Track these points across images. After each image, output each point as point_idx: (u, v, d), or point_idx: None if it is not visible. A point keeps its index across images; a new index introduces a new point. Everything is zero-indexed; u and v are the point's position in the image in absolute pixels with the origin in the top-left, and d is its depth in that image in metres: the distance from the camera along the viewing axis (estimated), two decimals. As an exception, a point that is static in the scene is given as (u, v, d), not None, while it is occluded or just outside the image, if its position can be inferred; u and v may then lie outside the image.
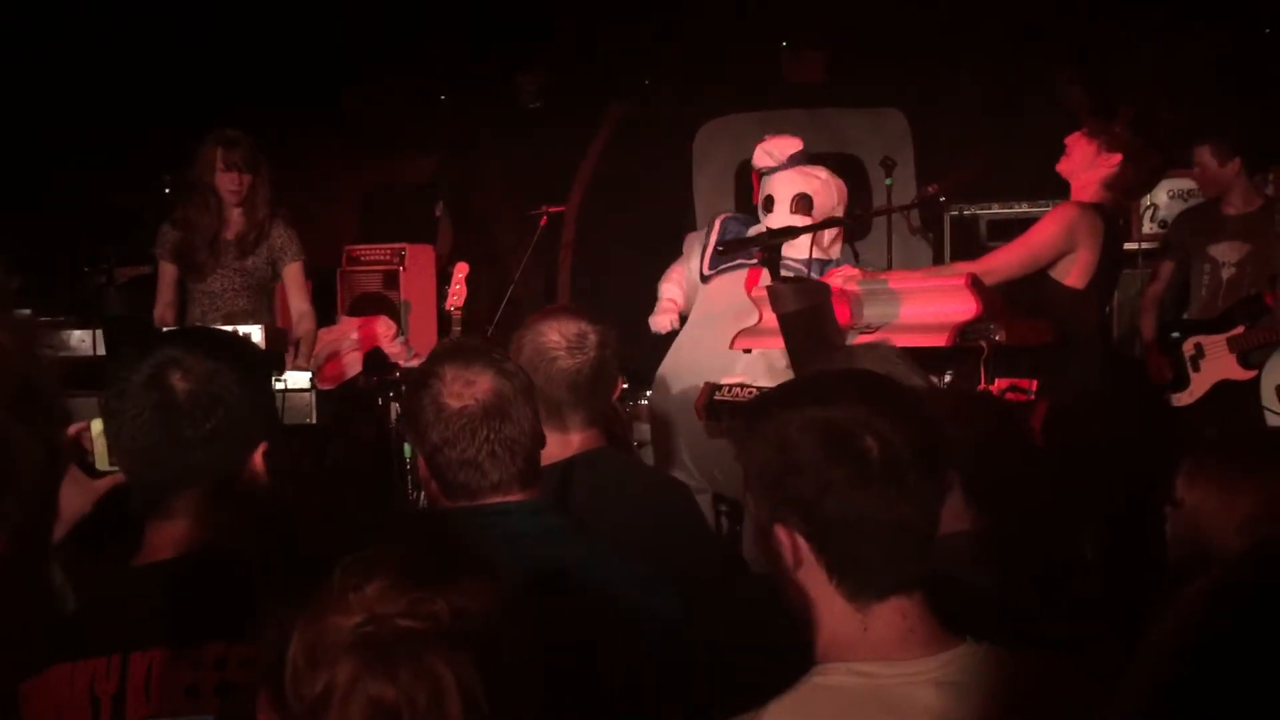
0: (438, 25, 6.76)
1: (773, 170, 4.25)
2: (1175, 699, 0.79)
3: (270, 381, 1.82)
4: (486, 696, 1.08)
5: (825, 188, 4.26)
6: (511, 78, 7.55)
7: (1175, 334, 5.10)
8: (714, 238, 4.29)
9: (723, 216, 4.39)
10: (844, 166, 7.24)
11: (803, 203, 4.18)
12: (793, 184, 4.22)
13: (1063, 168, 3.93)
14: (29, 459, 0.98)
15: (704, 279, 4.28)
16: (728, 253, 3.86)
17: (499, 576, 1.16)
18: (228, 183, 4.63)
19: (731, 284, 4.25)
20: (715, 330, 4.15)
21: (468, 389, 1.98)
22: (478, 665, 1.08)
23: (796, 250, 4.01)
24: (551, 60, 7.40)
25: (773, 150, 4.27)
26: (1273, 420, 4.45)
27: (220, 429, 1.67)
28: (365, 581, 1.10)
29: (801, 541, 1.45)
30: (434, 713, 1.06)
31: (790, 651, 1.50)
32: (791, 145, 4.29)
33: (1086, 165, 3.86)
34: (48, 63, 5.98)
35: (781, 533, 1.46)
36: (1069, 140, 3.91)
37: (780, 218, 4.17)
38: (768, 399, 1.61)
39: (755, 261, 4.11)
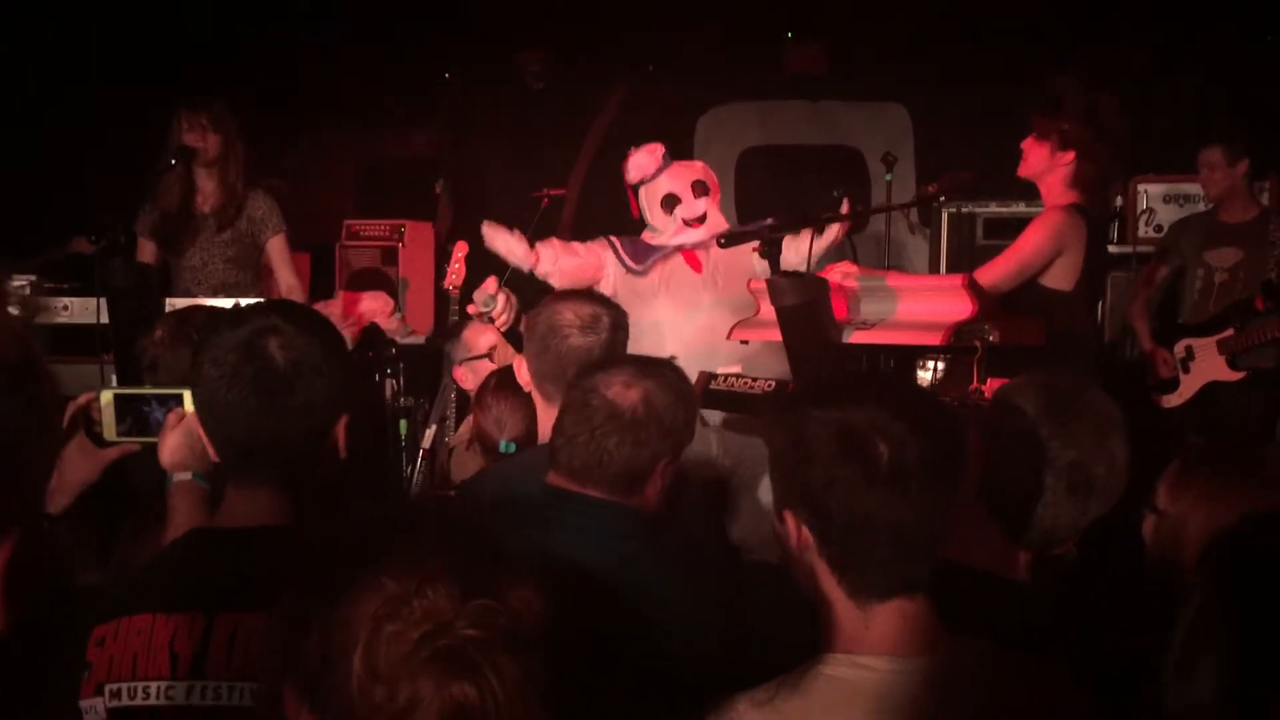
0: (444, 2, 6.77)
1: (653, 176, 4.31)
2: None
3: (349, 355, 1.83)
4: (553, 691, 1.11)
5: (706, 172, 4.42)
6: (515, 57, 7.56)
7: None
8: (620, 247, 4.34)
9: (613, 237, 4.41)
10: (844, 159, 7.32)
11: (700, 188, 4.28)
12: (682, 177, 4.31)
13: (1024, 172, 3.96)
14: (37, 450, 0.99)
15: (637, 272, 4.29)
16: (730, 242, 3.89)
17: (544, 577, 1.18)
18: (192, 141, 4.57)
19: (672, 269, 4.25)
20: (664, 336, 4.14)
21: (624, 390, 2.08)
22: (542, 663, 1.10)
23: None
24: (556, 42, 7.41)
25: (643, 160, 4.34)
26: None
27: (314, 399, 1.68)
28: (426, 588, 1.09)
29: (806, 532, 1.51)
30: (517, 706, 1.08)
31: (790, 638, 1.55)
32: (656, 149, 4.38)
33: (1045, 167, 3.88)
34: (47, 29, 5.97)
35: (790, 519, 1.52)
36: (1025, 144, 3.92)
37: (691, 206, 4.25)
38: (798, 392, 1.66)
39: (687, 248, 4.19)
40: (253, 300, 2.59)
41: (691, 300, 4.22)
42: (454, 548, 1.14)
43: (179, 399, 2.17)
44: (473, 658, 1.08)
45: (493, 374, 3.23)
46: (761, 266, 3.67)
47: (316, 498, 1.74)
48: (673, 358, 2.27)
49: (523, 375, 2.65)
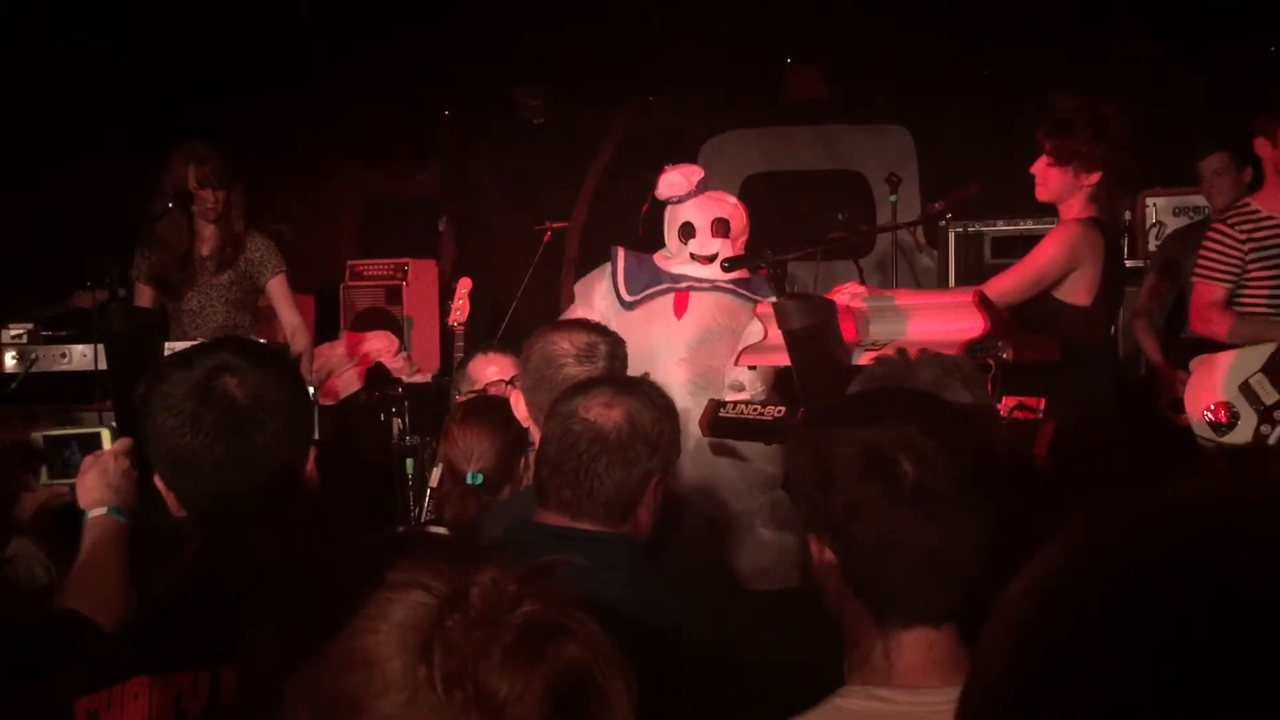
0: (441, 39, 6.76)
1: (682, 199, 4.24)
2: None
3: (305, 386, 1.78)
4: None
5: (736, 211, 4.31)
6: (514, 92, 7.55)
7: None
8: (621, 265, 4.27)
9: (621, 249, 4.35)
10: (848, 183, 7.28)
11: (721, 227, 4.19)
12: (708, 210, 4.22)
13: (1045, 197, 3.89)
14: None
15: (627, 305, 4.22)
16: (734, 266, 3.83)
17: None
18: (205, 200, 4.57)
19: (656, 309, 4.18)
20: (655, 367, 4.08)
21: (605, 410, 2.02)
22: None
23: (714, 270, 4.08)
24: (555, 75, 7.40)
25: (677, 179, 4.26)
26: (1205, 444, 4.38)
27: (283, 433, 1.64)
28: (474, 578, 1.01)
29: (830, 555, 1.44)
30: (618, 660, 1.00)
31: (803, 668, 1.48)
32: (696, 173, 4.30)
33: (1069, 190, 3.82)
34: (48, 71, 5.97)
35: (813, 543, 1.47)
36: (1037, 170, 3.84)
37: (703, 244, 4.17)
38: (822, 411, 1.60)
39: (681, 286, 4.12)
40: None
41: (665, 341, 4.12)
42: (483, 553, 1.07)
43: (97, 438, 2.22)
44: (558, 622, 0.99)
45: (459, 405, 3.18)
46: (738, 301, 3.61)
47: (308, 532, 1.68)
48: (645, 375, 2.21)
49: (520, 409, 2.59)
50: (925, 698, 1.38)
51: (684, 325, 4.10)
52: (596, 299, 4.20)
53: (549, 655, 0.98)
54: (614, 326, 4.17)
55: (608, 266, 4.33)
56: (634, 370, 3.89)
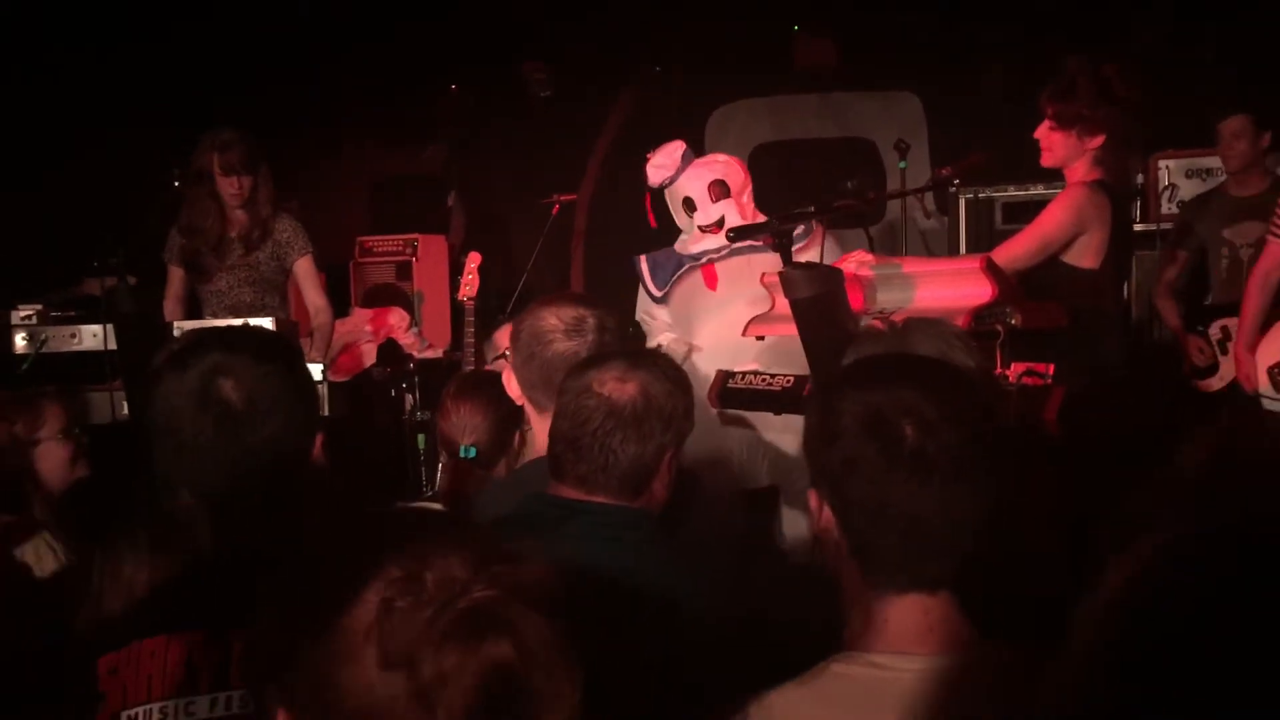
0: (447, 14, 6.74)
1: (673, 179, 4.19)
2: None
3: (308, 374, 1.78)
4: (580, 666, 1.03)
5: (729, 168, 4.25)
6: (521, 67, 7.52)
7: (1200, 328, 5.04)
8: (646, 269, 4.25)
9: (642, 257, 4.33)
10: (858, 150, 7.24)
11: (720, 188, 4.15)
12: (700, 177, 4.18)
13: (1049, 162, 3.86)
14: None
15: (660, 300, 4.20)
16: (739, 236, 3.82)
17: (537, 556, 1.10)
18: (228, 187, 4.62)
19: (689, 289, 4.18)
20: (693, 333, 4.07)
21: (619, 385, 2.02)
22: (565, 631, 1.02)
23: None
24: (562, 48, 7.37)
25: (661, 162, 4.22)
26: (1270, 405, 4.37)
27: (278, 431, 1.66)
28: (436, 560, 1.01)
29: (828, 513, 1.46)
30: (555, 665, 0.99)
31: (821, 635, 1.49)
32: (676, 148, 4.24)
33: (1074, 154, 3.79)
34: (53, 58, 5.97)
35: (814, 498, 1.48)
36: (1040, 134, 3.81)
37: (706, 213, 4.13)
38: (840, 371, 1.61)
39: (702, 261, 4.10)
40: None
41: (710, 313, 4.12)
42: (456, 532, 1.07)
43: None
44: (498, 614, 0.99)
45: (453, 379, 3.19)
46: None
47: (311, 512, 1.70)
48: (658, 345, 2.21)
49: (512, 388, 2.58)
50: (918, 664, 1.39)
51: (723, 296, 4.09)
52: (655, 317, 4.18)
53: (482, 646, 0.98)
54: (669, 325, 4.16)
55: (639, 286, 4.33)
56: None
